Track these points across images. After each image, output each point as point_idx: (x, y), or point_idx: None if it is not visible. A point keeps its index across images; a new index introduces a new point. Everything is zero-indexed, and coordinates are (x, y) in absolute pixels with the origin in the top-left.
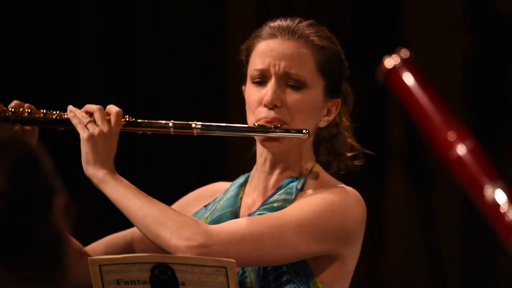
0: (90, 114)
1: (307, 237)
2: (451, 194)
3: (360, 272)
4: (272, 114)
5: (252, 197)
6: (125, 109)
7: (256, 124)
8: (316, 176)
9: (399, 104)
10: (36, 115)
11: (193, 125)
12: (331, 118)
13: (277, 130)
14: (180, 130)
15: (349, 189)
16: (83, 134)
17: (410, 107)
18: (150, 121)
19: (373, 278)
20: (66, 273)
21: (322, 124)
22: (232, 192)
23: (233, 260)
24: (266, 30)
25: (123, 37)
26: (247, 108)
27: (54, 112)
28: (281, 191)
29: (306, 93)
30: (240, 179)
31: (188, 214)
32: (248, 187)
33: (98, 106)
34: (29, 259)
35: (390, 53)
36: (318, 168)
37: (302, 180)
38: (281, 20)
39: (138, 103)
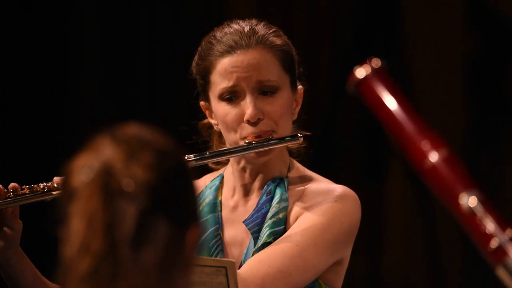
0: None
1: (324, 254)
2: None
3: (360, 272)
4: (258, 128)
5: (233, 199)
6: (125, 109)
7: (246, 142)
8: (296, 172)
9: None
10: (24, 191)
11: (186, 157)
12: (299, 106)
13: (272, 142)
14: None
15: (345, 190)
16: None
17: (382, 117)
18: None
19: (373, 278)
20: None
21: (295, 116)
22: (210, 196)
23: (233, 260)
24: (219, 46)
25: (123, 37)
26: (223, 126)
27: (41, 185)
28: (274, 201)
29: (281, 95)
30: (215, 182)
31: None
32: (225, 190)
33: None
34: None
35: (361, 63)
36: (294, 163)
37: (285, 180)
38: (228, 30)
39: (138, 103)
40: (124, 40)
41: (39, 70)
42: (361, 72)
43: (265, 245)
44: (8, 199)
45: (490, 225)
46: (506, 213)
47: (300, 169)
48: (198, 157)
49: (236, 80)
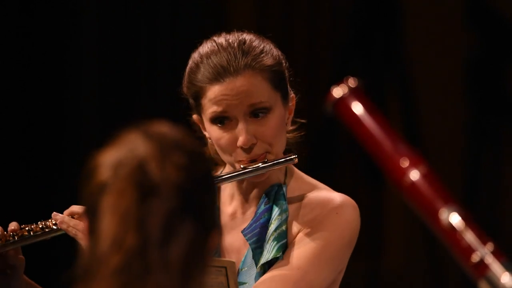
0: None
1: (327, 272)
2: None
3: (360, 272)
4: (252, 153)
5: (231, 206)
6: (125, 110)
7: (242, 167)
8: (294, 178)
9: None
10: (23, 232)
11: None
12: (292, 115)
13: (267, 165)
14: None
15: (344, 200)
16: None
17: (360, 136)
18: None
19: (373, 278)
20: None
21: (288, 126)
22: None
23: (233, 260)
24: (206, 71)
25: (123, 38)
26: (217, 148)
27: (40, 224)
28: (275, 213)
29: (273, 115)
30: None
31: None
32: (223, 195)
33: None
34: (197, 269)
35: (337, 83)
36: (291, 168)
37: (284, 188)
38: (214, 50)
39: (138, 104)
40: (124, 40)
41: (39, 70)
42: (338, 92)
43: (275, 259)
44: (8, 242)
45: (471, 240)
46: (506, 213)
47: (298, 175)
48: None
49: (226, 106)
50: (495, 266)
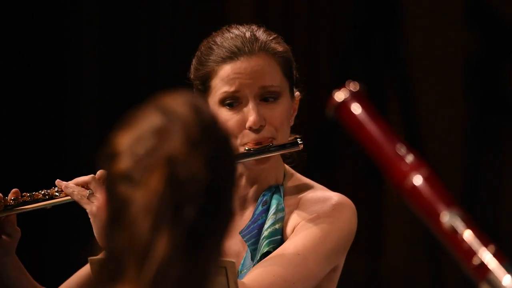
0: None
1: (325, 262)
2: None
3: (360, 272)
4: (260, 135)
5: None
6: (125, 110)
7: (246, 149)
8: (292, 179)
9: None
10: (24, 198)
11: None
12: (295, 113)
13: (272, 148)
14: None
15: (341, 198)
16: (91, 208)
17: (362, 140)
18: None
19: (373, 278)
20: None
21: (292, 123)
22: None
23: (233, 260)
24: (220, 51)
25: (123, 38)
26: None
27: (40, 191)
28: (271, 212)
29: (282, 102)
30: None
31: None
32: None
33: (90, 176)
34: (211, 255)
35: (339, 87)
36: (289, 170)
37: (281, 189)
38: (229, 35)
39: (138, 104)
40: (124, 40)
41: (39, 71)
42: (339, 96)
43: (264, 255)
44: (8, 207)
45: (472, 242)
46: (506, 213)
47: (296, 176)
48: None
49: (238, 86)
50: (497, 269)
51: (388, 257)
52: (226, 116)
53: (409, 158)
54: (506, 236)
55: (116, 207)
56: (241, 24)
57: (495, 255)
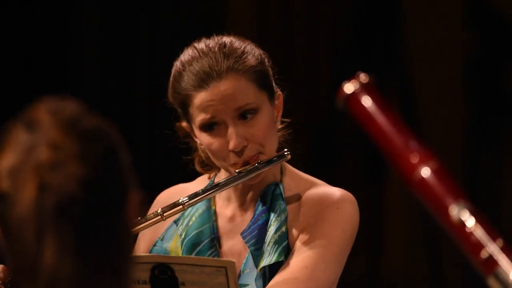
0: None
1: (334, 268)
2: None
3: (360, 272)
4: (245, 155)
5: (229, 209)
6: (126, 110)
7: (236, 171)
8: (290, 175)
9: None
10: None
11: (180, 201)
12: (281, 112)
13: (261, 165)
14: (171, 211)
15: (342, 194)
16: None
17: (371, 131)
18: (141, 218)
19: (373, 278)
20: (131, 268)
21: (278, 124)
22: (202, 206)
23: (233, 260)
24: (190, 79)
25: (123, 37)
26: (209, 154)
27: None
28: (274, 215)
29: (261, 115)
30: None
31: (161, 231)
32: (218, 198)
33: None
34: (104, 251)
35: (349, 79)
36: (286, 166)
37: (281, 186)
38: (195, 56)
39: (138, 103)
40: (124, 40)
41: (39, 71)
42: (349, 88)
43: (278, 264)
44: None
45: (480, 235)
46: (506, 213)
47: (294, 172)
48: (192, 197)
49: (213, 112)
50: (504, 262)
51: (388, 257)
52: (208, 140)
53: (419, 151)
54: (506, 236)
55: (5, 229)
56: (232, 30)
57: (503, 249)
